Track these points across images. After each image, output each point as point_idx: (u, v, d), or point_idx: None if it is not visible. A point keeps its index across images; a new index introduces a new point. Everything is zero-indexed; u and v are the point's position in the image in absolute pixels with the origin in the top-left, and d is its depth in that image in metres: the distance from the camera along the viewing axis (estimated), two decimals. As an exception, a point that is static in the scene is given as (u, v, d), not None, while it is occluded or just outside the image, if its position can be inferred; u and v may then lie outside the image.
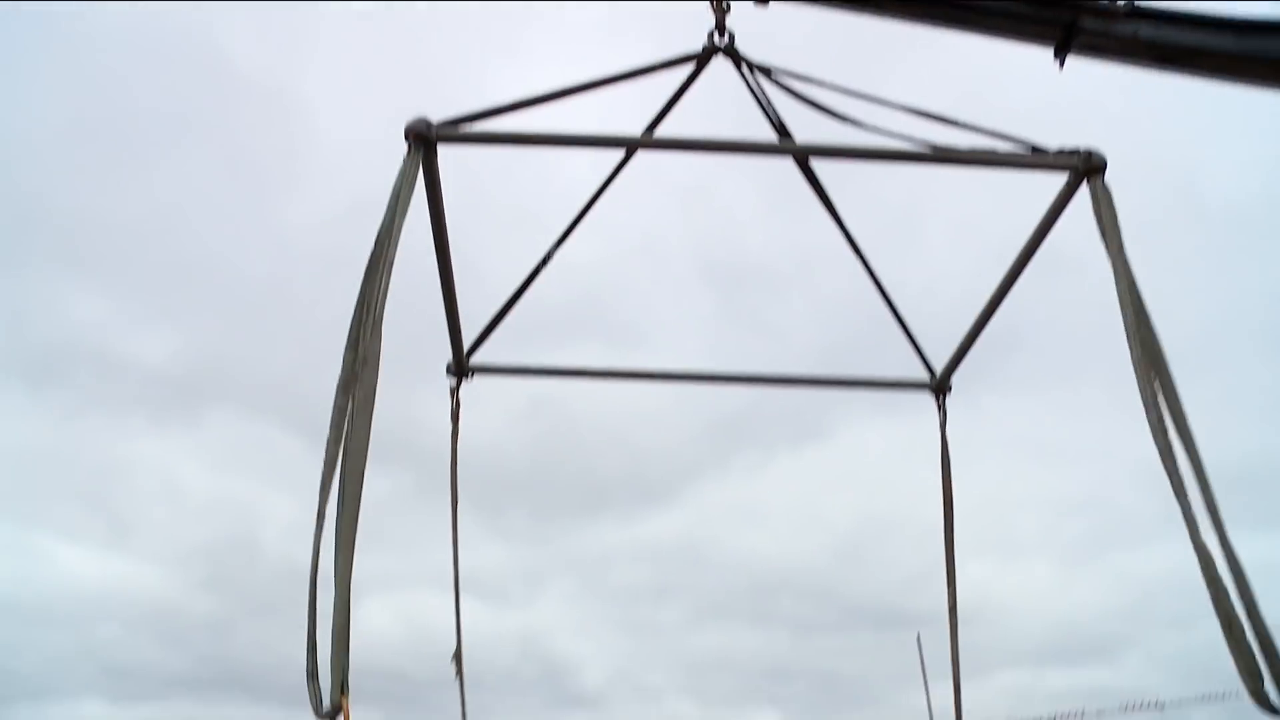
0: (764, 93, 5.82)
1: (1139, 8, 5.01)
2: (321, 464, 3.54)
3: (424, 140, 4.63)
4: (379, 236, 4.17)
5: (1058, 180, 4.99)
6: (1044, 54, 5.18)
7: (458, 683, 5.61)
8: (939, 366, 6.89)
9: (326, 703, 3.14)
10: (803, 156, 6.02)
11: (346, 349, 3.84)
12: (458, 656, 5.48)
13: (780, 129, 5.86)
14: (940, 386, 6.92)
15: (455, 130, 4.76)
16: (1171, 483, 3.93)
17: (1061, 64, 5.18)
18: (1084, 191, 4.70)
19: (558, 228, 6.33)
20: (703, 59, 5.68)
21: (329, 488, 3.53)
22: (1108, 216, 4.48)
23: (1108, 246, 4.40)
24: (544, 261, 6.29)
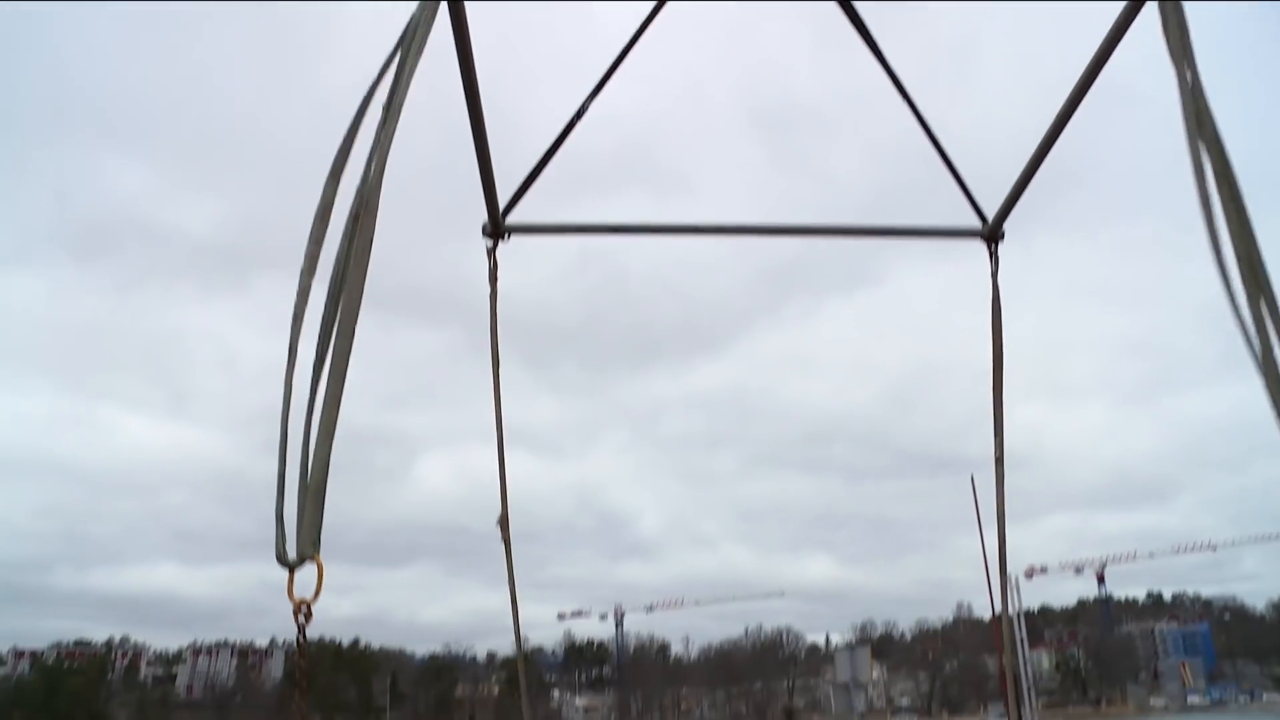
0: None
1: None
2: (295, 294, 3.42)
3: None
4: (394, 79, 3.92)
5: None
6: None
7: (504, 548, 5.57)
8: (992, 210, 6.62)
9: (292, 553, 3.05)
10: None
11: (328, 179, 3.65)
12: (503, 522, 5.44)
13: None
14: (992, 234, 6.65)
15: None
16: (1239, 322, 3.70)
17: None
18: (1151, 9, 4.35)
19: (597, 74, 6.07)
20: None
21: (301, 319, 3.41)
22: (1177, 37, 4.12)
23: (1176, 71, 4.07)
24: (580, 112, 6.05)
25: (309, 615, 3.00)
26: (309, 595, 3.03)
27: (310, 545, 3.06)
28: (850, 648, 22.60)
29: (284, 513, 3.11)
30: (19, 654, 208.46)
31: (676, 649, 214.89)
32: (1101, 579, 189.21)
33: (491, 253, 6.28)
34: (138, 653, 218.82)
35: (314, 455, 3.22)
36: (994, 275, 6.62)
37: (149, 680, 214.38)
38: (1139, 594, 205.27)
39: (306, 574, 3.03)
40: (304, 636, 2.99)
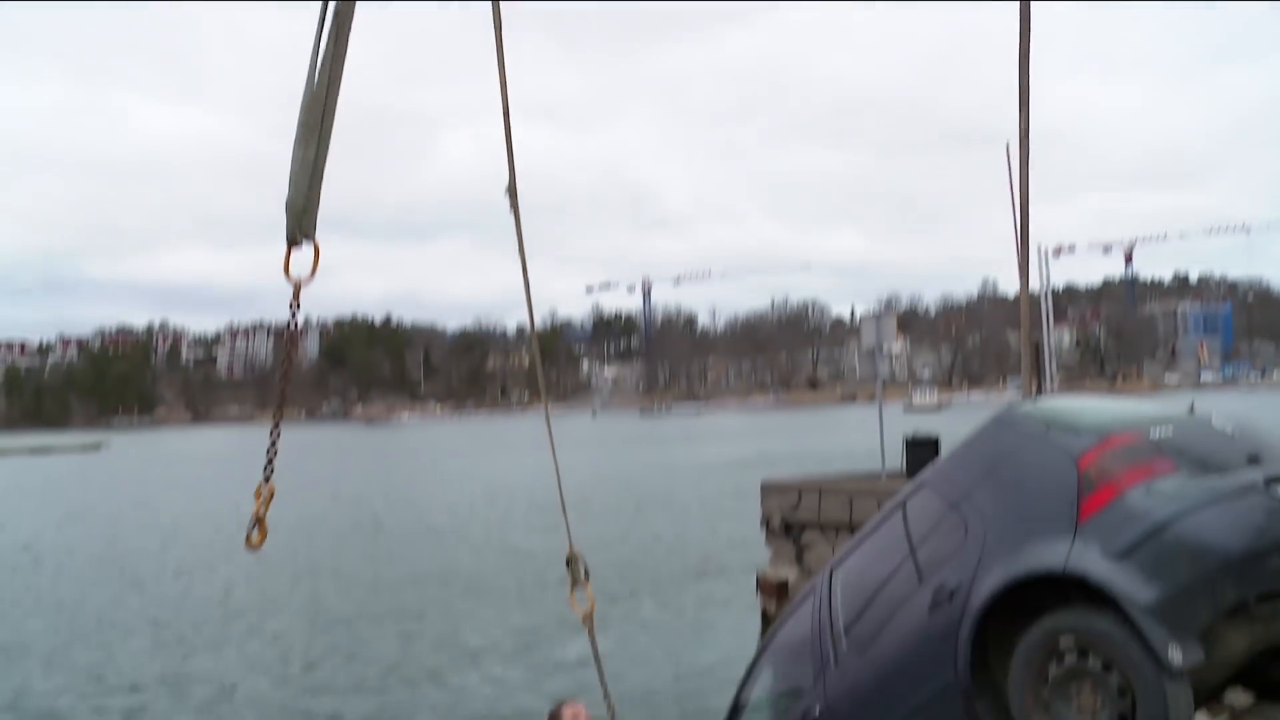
0: None
1: None
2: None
3: None
4: None
5: None
6: None
7: (513, 218, 5.53)
8: None
9: (293, 233, 3.18)
10: None
11: None
12: (512, 190, 5.38)
13: None
14: None
15: None
16: None
17: None
18: None
19: None
20: None
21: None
22: None
23: None
24: None
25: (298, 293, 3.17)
26: (307, 275, 3.19)
27: (310, 228, 3.19)
28: (876, 316, 22.96)
29: (293, 195, 3.21)
30: (65, 341, 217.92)
31: (703, 320, 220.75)
32: (1129, 258, 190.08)
33: None
34: (178, 336, 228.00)
35: (319, 139, 3.28)
36: None
37: (190, 363, 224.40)
38: (1165, 275, 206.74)
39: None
40: (297, 304, 3.16)
